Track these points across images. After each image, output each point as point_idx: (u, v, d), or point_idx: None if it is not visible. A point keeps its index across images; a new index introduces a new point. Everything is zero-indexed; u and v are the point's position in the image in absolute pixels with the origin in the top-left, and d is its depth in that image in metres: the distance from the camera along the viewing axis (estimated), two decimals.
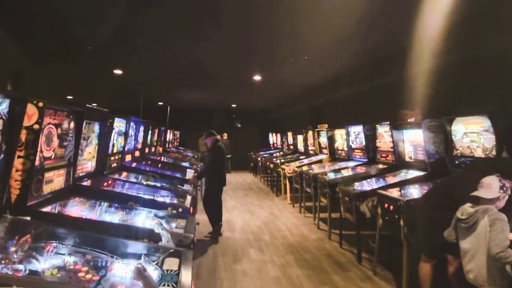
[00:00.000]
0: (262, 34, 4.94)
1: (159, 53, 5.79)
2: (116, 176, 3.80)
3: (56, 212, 2.16)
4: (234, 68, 6.96)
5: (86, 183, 2.96)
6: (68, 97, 10.08)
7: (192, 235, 2.32)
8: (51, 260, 1.62)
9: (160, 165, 5.73)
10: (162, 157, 6.92)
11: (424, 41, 4.25)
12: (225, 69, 6.96)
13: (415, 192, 3.55)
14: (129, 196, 2.98)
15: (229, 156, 13.52)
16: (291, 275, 3.78)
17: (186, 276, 1.66)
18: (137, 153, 5.20)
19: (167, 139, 9.33)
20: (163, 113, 11.33)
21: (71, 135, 2.52)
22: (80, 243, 1.79)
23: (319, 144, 7.66)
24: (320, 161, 7.18)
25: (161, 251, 1.88)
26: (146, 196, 3.28)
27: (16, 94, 1.71)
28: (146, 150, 6.05)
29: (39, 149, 2.06)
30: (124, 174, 4.19)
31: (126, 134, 4.17)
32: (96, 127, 3.21)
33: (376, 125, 5.08)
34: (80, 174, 2.93)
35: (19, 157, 1.94)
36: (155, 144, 6.78)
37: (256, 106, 13.42)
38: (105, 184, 3.29)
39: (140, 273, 1.27)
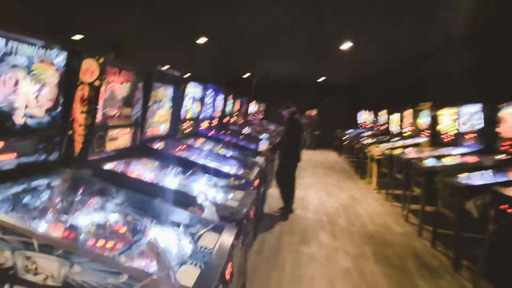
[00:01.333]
0: None
1: (244, 19, 5.59)
2: (189, 141, 3.85)
3: (115, 169, 2.20)
4: (322, 34, 6.34)
5: (155, 145, 3.02)
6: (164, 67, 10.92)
7: (245, 210, 2.12)
8: (94, 216, 1.61)
9: (237, 135, 5.72)
10: (242, 128, 6.94)
11: None
12: (312, 35, 6.40)
13: None
14: (194, 162, 2.94)
15: (317, 132, 13.04)
16: (365, 270, 3.33)
17: (220, 255, 1.46)
18: (214, 122, 5.24)
19: (250, 111, 9.35)
20: (249, 85, 11.37)
21: (138, 95, 2.53)
22: (126, 203, 1.76)
23: (418, 125, 6.60)
24: (417, 145, 6.19)
25: (203, 223, 1.73)
26: (213, 164, 3.22)
27: (71, 46, 1.69)
28: (225, 119, 6.10)
29: (101, 106, 2.08)
30: (199, 141, 4.25)
31: (201, 101, 4.17)
32: (170, 91, 3.23)
33: (499, 105, 3.98)
34: (150, 136, 2.99)
35: (82, 112, 1.98)
36: (235, 114, 6.81)
37: (345, 80, 12.38)
38: (175, 148, 3.33)
39: (151, 248, 1.11)
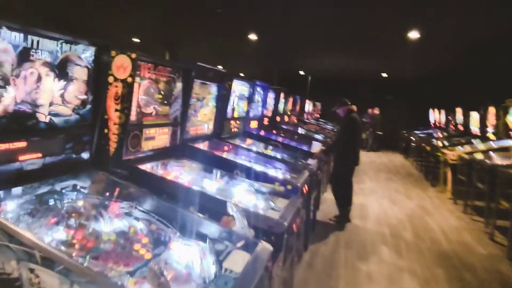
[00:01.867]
0: None
1: (298, 10, 5.23)
2: (237, 141, 3.69)
3: (151, 170, 2.09)
4: (385, 23, 5.70)
5: (199, 145, 2.90)
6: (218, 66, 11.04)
7: (286, 222, 1.85)
8: (117, 222, 1.49)
9: (290, 135, 5.43)
10: (296, 128, 6.62)
11: None
12: (374, 25, 5.80)
13: None
14: (237, 164, 2.74)
15: (380, 133, 12.05)
16: None
17: (246, 282, 1.22)
18: (265, 121, 5.03)
19: (306, 110, 8.97)
20: (303, 83, 10.91)
21: (177, 93, 2.41)
22: (153, 209, 1.62)
23: (506, 125, 5.58)
24: (506, 149, 5.24)
25: (233, 239, 1.50)
26: (258, 167, 3.00)
27: (99, 41, 1.60)
28: (278, 118, 5.85)
29: (135, 103, 1.99)
30: (248, 141, 4.07)
31: (249, 99, 3.98)
32: (214, 89, 3.09)
33: None
34: (193, 135, 2.88)
35: (116, 110, 1.90)
36: (288, 113, 6.52)
37: (410, 75, 11.19)
38: (219, 148, 3.19)
39: (153, 276, 0.91)
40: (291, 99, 6.51)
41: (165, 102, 2.28)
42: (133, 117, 1.98)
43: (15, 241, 1.07)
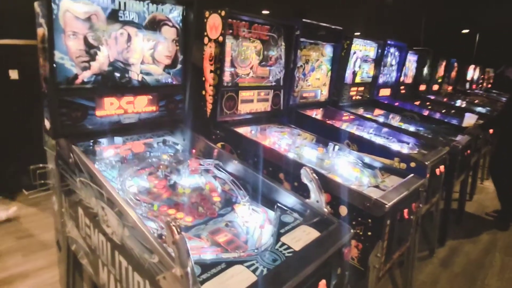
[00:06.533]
0: None
1: None
2: (359, 111, 3.25)
3: (245, 134, 2.05)
4: None
5: (308, 111, 2.68)
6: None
7: (388, 205, 1.47)
8: (197, 178, 1.51)
9: (438, 107, 4.44)
10: (452, 100, 5.37)
11: None
12: None
13: None
14: (348, 134, 2.40)
15: None
16: None
17: (300, 261, 1.01)
18: (402, 89, 4.26)
19: (469, 78, 7.15)
20: (466, 45, 8.58)
21: (278, 54, 2.25)
22: (232, 171, 1.56)
23: None
24: None
25: (307, 213, 1.28)
26: (378, 139, 2.55)
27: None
28: (423, 87, 4.88)
29: (228, 64, 1.95)
30: (376, 111, 3.54)
31: (377, 62, 3.41)
32: (328, 50, 2.76)
33: None
34: (303, 102, 2.68)
35: (210, 71, 1.92)
36: (439, 80, 5.33)
37: None
38: (333, 116, 2.87)
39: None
40: (443, 64, 5.27)
41: (264, 63, 2.16)
42: (227, 78, 1.96)
43: (93, 181, 1.21)
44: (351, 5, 6.93)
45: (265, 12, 7.51)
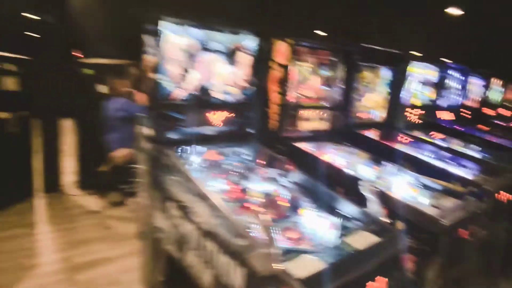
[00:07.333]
0: None
1: None
2: (416, 133, 3.24)
3: (304, 149, 2.22)
4: None
5: (365, 131, 2.78)
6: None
7: (445, 222, 1.52)
8: (266, 185, 1.70)
9: (502, 132, 4.19)
10: None
11: None
12: None
13: None
14: (403, 154, 2.44)
15: None
16: None
17: (363, 257, 1.13)
18: (465, 112, 4.13)
19: None
20: None
21: (338, 77, 2.42)
22: (298, 181, 1.74)
23: None
24: None
25: (367, 221, 1.41)
26: (436, 162, 2.54)
27: (261, 31, 1.86)
28: (488, 111, 4.66)
29: (293, 86, 2.17)
30: (436, 134, 3.49)
31: (438, 85, 3.40)
32: (385, 72, 2.87)
33: None
34: (360, 121, 2.79)
35: (276, 92, 2.15)
36: (506, 104, 5.01)
37: None
38: (389, 137, 2.92)
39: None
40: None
41: (325, 85, 2.35)
42: (291, 98, 2.18)
43: (188, 180, 1.46)
44: (411, 22, 6.84)
45: (317, 32, 7.74)
